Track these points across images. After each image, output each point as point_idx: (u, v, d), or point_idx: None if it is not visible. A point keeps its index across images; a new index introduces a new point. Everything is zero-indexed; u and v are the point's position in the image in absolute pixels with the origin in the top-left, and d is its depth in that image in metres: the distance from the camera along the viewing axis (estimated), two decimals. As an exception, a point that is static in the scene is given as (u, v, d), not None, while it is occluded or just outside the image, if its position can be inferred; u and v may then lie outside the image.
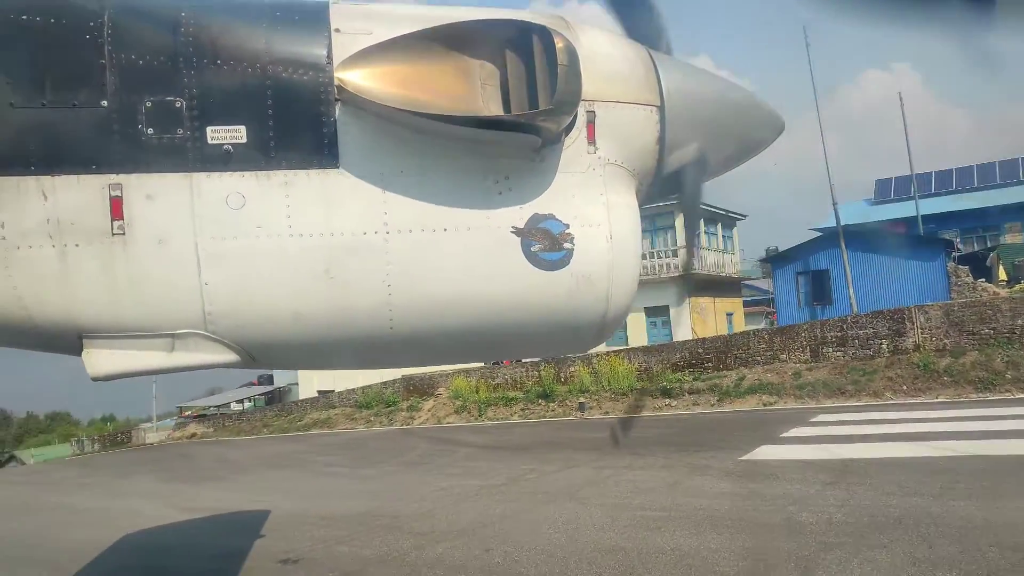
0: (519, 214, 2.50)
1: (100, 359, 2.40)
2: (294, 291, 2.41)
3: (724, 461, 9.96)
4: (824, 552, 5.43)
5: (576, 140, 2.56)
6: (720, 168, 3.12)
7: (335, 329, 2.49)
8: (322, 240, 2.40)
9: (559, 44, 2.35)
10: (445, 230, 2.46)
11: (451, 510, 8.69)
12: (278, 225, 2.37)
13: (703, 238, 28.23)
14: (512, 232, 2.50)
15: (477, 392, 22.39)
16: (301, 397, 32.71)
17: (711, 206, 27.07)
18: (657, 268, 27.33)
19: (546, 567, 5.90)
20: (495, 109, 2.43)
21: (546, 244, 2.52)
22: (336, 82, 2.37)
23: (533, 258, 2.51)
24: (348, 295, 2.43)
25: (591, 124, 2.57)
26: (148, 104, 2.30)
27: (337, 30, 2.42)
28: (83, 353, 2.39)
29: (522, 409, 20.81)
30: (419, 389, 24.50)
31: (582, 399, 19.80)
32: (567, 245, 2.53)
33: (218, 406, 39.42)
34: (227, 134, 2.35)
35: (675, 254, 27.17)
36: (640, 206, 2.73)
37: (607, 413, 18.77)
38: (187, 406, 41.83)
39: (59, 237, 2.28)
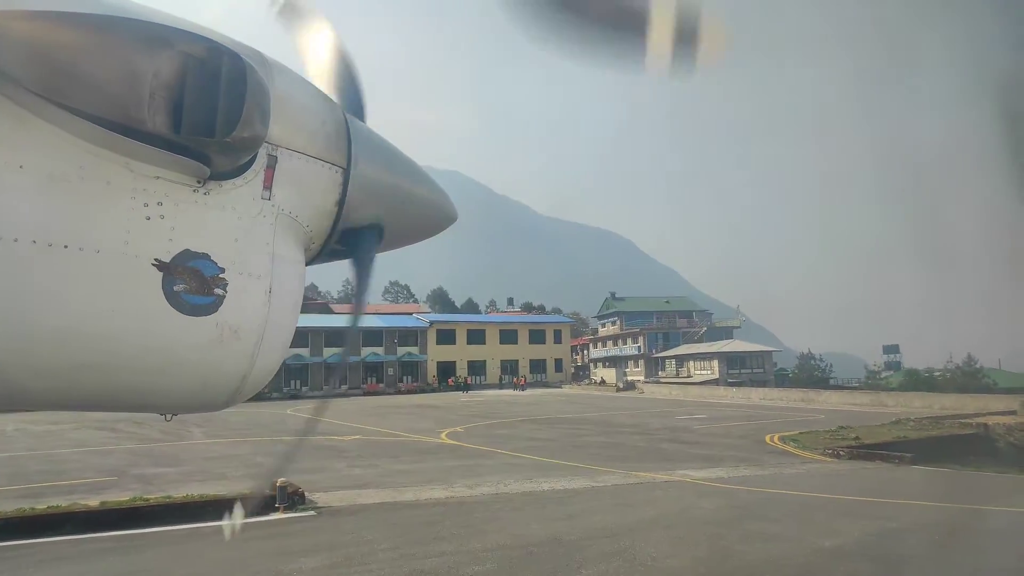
0: (167, 247, 2.17)
1: None
2: None
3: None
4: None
5: (251, 182, 2.36)
6: (392, 244, 3.12)
7: None
8: None
9: (250, 77, 2.16)
10: (65, 247, 2.01)
11: None
12: None
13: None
14: (154, 264, 2.15)
15: None
16: None
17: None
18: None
19: None
20: (161, 125, 2.11)
21: (193, 286, 2.21)
22: None
23: (174, 298, 2.18)
24: None
25: (270, 169, 2.39)
26: None
27: None
28: None
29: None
30: None
31: None
32: (218, 291, 2.26)
33: None
34: None
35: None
36: (307, 265, 2.57)
37: None
38: None
39: None
